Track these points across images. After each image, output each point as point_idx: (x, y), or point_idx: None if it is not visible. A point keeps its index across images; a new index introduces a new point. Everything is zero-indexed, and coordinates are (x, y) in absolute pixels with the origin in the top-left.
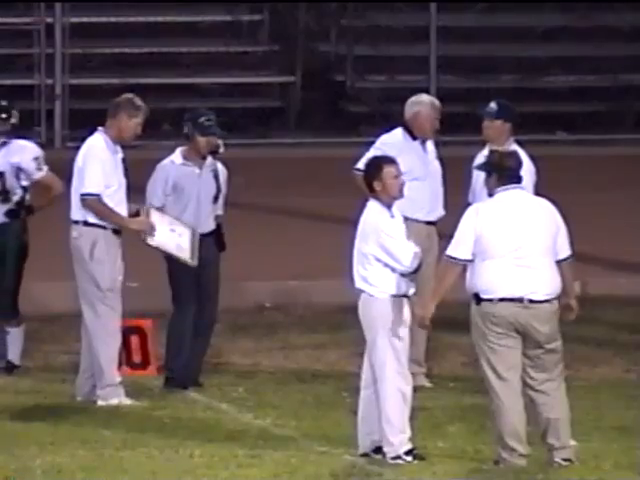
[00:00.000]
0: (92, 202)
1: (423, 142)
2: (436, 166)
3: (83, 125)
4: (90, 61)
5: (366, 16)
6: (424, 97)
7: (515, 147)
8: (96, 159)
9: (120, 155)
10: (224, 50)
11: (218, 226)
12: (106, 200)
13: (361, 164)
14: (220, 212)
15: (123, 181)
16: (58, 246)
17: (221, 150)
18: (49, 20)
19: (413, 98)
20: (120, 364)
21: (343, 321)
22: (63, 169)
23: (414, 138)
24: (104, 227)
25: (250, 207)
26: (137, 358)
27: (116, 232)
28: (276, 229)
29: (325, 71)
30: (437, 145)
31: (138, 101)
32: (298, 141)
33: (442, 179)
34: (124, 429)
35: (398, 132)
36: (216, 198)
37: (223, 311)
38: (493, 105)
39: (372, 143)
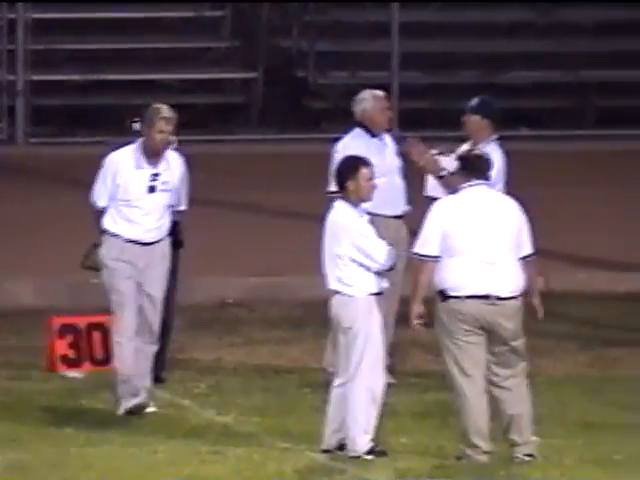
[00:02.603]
0: (92, 208)
1: (380, 139)
2: (397, 161)
3: (45, 121)
4: (52, 57)
5: (328, 12)
6: (365, 93)
7: (494, 145)
8: (102, 173)
9: (149, 171)
10: (186, 46)
11: (175, 223)
12: (112, 211)
13: (332, 186)
14: (183, 207)
15: (145, 197)
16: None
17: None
18: (11, 16)
19: (356, 98)
20: (81, 361)
21: (305, 317)
22: (25, 165)
23: (373, 135)
24: (114, 234)
25: (213, 203)
26: (99, 354)
27: (131, 242)
28: (239, 225)
29: (287, 67)
30: (398, 141)
31: (157, 111)
32: (260, 137)
33: (403, 173)
34: (87, 426)
35: (356, 133)
36: None
37: (186, 307)
38: (475, 99)
39: (335, 139)
